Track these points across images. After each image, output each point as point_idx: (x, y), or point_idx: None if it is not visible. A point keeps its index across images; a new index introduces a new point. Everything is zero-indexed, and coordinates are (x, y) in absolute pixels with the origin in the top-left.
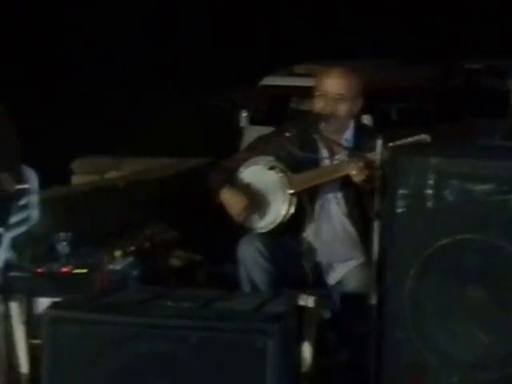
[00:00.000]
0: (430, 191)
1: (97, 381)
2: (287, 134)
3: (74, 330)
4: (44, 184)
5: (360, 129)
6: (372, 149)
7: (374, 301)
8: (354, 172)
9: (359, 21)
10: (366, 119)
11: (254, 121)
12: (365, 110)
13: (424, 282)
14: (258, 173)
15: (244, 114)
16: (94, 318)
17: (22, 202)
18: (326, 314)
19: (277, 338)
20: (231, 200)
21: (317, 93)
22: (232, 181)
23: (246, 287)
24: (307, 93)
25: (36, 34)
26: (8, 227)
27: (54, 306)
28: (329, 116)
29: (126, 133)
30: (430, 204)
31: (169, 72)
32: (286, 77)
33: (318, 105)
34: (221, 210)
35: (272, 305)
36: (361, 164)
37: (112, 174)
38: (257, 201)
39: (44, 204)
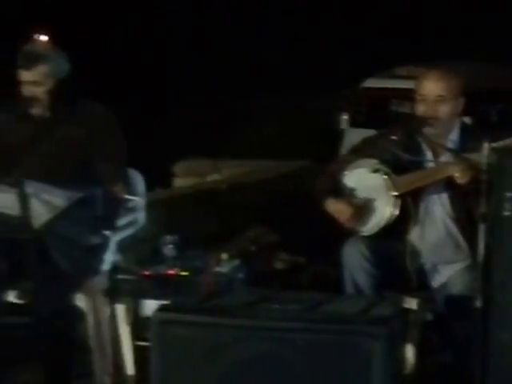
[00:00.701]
0: None
1: (204, 382)
2: (393, 137)
3: (182, 332)
4: (147, 187)
5: (465, 129)
6: (476, 150)
7: (479, 303)
8: (457, 174)
9: (459, 22)
10: (467, 121)
11: (354, 123)
12: (465, 111)
13: None
14: (362, 176)
15: (344, 116)
16: (202, 321)
17: (129, 205)
18: (428, 316)
19: (383, 341)
20: (338, 211)
21: (417, 97)
22: (337, 187)
23: (350, 290)
24: (408, 95)
25: (145, 37)
26: (115, 230)
27: (162, 308)
28: (432, 119)
29: (227, 135)
30: None
31: (270, 74)
32: (388, 79)
33: (420, 109)
34: (325, 214)
35: (378, 307)
36: (465, 166)
37: (214, 177)
38: (361, 204)
39: (148, 207)
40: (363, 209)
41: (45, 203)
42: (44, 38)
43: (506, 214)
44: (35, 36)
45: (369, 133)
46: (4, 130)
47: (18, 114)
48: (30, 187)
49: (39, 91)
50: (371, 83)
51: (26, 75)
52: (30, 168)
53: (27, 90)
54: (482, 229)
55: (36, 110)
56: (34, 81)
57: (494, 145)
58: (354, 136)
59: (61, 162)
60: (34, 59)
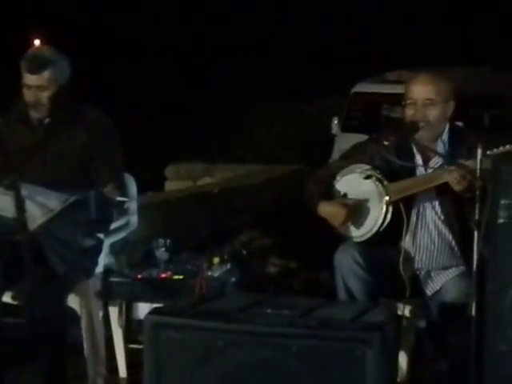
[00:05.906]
0: None
1: None
2: (385, 143)
3: (175, 335)
4: (138, 190)
5: (455, 133)
6: (468, 154)
7: (473, 311)
8: (455, 181)
9: (453, 27)
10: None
11: (345, 128)
12: (457, 116)
13: None
14: (354, 182)
15: (335, 121)
16: (195, 325)
17: (122, 207)
18: (421, 323)
19: (377, 347)
20: (330, 215)
21: (406, 101)
22: (329, 192)
23: (343, 295)
24: (399, 100)
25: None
26: (108, 233)
27: (155, 311)
28: (421, 123)
29: (219, 139)
30: None
31: (262, 80)
32: (378, 84)
33: (409, 113)
34: (318, 219)
35: (371, 314)
36: (461, 173)
37: (205, 180)
38: (354, 210)
39: (141, 210)
40: (356, 214)
41: (40, 206)
42: (37, 42)
43: (501, 221)
44: (35, 41)
45: (360, 138)
46: (3, 133)
47: (17, 117)
48: (25, 190)
49: (43, 96)
50: (362, 88)
51: (32, 79)
52: (31, 171)
53: (30, 95)
54: (476, 236)
55: (36, 114)
56: (40, 85)
57: (489, 152)
58: (345, 141)
59: (61, 165)
60: (41, 64)
